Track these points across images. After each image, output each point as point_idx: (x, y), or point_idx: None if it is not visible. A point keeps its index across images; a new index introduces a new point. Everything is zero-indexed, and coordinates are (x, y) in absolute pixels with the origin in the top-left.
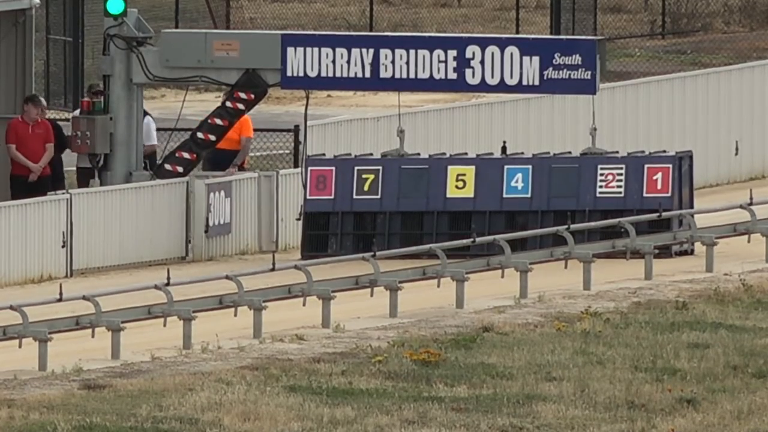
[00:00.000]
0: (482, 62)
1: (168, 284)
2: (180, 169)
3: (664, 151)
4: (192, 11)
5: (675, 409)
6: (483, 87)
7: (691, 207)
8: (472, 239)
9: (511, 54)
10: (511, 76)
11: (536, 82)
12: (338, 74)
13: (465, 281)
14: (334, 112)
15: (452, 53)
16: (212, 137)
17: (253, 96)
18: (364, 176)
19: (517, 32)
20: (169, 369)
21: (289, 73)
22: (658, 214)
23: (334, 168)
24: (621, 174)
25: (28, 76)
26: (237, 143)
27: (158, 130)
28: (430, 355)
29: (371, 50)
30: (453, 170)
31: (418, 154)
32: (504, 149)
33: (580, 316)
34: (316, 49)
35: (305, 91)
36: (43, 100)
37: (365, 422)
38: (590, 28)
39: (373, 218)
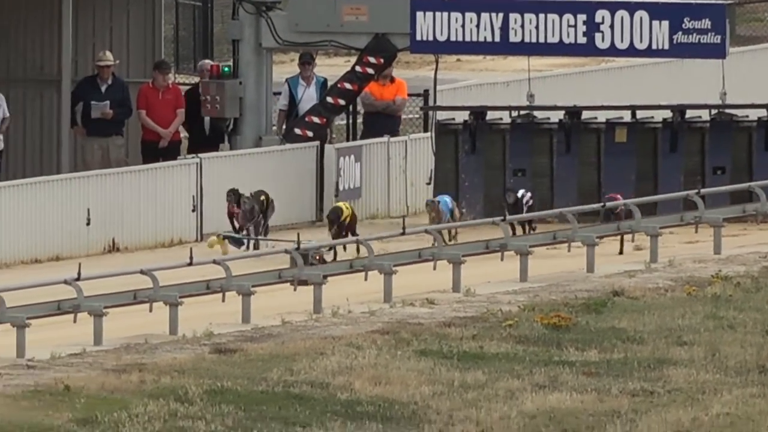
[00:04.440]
0: (612, 26)
1: (298, 249)
2: (309, 133)
3: None
4: None
5: None
6: (612, 51)
7: None
8: (602, 204)
9: (641, 18)
10: (641, 41)
11: (666, 47)
12: (467, 38)
13: (595, 245)
14: (464, 77)
15: (582, 17)
16: (342, 101)
17: (382, 60)
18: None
19: None
20: (300, 333)
21: (418, 38)
22: None
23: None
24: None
25: (157, 40)
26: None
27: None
28: (560, 319)
29: (500, 14)
30: None
31: (548, 118)
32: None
33: (710, 281)
34: (445, 14)
35: (434, 56)
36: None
37: (496, 386)
38: None
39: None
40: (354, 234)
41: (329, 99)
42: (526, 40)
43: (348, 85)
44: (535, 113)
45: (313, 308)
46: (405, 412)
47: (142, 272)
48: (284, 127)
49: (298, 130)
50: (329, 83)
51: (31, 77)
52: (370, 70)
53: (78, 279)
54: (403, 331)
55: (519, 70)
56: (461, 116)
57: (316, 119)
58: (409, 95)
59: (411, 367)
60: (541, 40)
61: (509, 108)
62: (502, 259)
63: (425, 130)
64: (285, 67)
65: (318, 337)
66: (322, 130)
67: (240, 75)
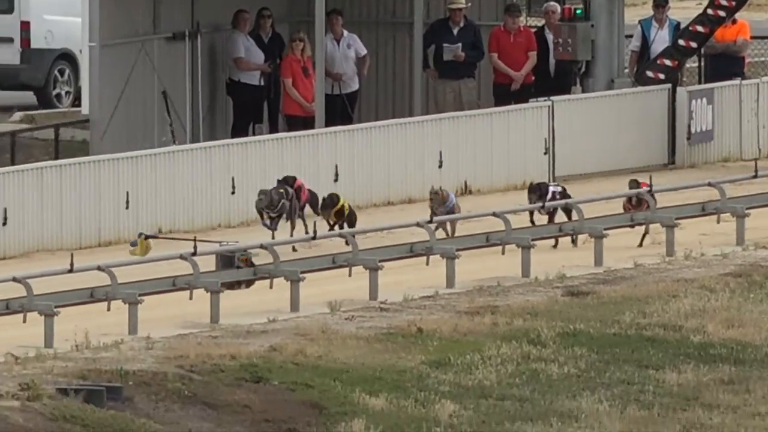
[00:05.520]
0: None
1: (650, 192)
2: (661, 76)
3: None
4: None
5: None
6: None
7: None
8: None
9: None
10: None
11: None
12: None
13: None
14: None
15: None
16: (693, 44)
17: (734, 3)
18: None
19: None
20: (652, 276)
21: None
22: None
23: None
24: None
25: None
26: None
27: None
28: None
29: None
30: None
31: None
32: None
33: None
34: None
35: None
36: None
37: None
38: None
39: None
40: (351, 226)
41: (681, 42)
42: None
43: (700, 28)
44: None
45: (665, 251)
46: (758, 355)
47: (494, 215)
48: (636, 69)
49: (650, 73)
50: (681, 26)
51: (384, 20)
52: (722, 13)
53: (431, 221)
54: (756, 274)
55: None
56: None
57: (668, 62)
58: (760, 38)
59: (764, 309)
60: None
61: None
62: None
63: None
64: (637, 10)
65: (670, 279)
66: (673, 73)
67: (592, 17)
